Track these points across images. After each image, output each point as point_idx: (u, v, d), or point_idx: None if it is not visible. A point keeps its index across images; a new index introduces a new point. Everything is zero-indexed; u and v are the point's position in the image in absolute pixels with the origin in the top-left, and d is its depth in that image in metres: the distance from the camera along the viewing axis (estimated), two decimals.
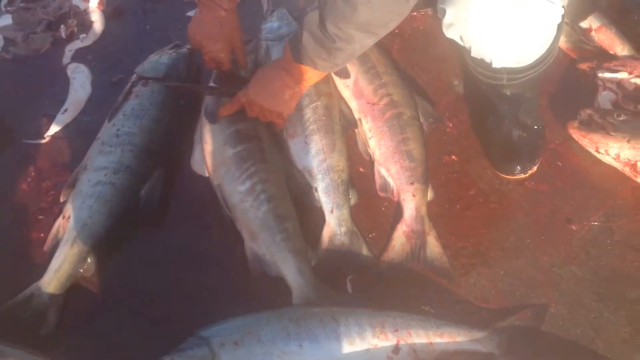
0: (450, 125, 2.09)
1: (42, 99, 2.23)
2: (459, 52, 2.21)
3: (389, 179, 1.92)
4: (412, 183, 1.87)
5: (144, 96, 2.05)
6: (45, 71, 2.31)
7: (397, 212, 1.89)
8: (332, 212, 1.84)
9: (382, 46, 2.18)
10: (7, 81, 2.29)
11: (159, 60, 2.16)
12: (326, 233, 1.84)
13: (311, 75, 1.71)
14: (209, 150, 1.92)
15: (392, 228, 1.88)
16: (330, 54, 1.59)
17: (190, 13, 2.45)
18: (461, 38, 1.67)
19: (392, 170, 1.91)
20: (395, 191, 1.90)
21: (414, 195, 1.86)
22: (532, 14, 1.54)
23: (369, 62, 2.07)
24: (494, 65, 1.68)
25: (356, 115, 2.03)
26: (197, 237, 1.90)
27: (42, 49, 2.37)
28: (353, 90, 2.05)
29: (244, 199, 1.81)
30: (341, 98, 2.07)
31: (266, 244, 1.76)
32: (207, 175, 1.94)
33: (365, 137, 1.99)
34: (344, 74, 2.05)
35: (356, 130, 2.03)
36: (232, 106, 1.88)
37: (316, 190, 1.89)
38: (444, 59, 2.27)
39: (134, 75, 2.12)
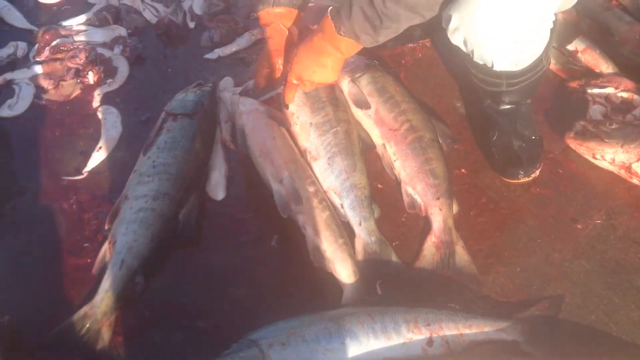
0: (451, 141, 2.27)
1: (77, 139, 2.38)
2: (458, 78, 2.46)
3: (416, 196, 2.08)
4: (438, 198, 2.04)
5: (175, 130, 2.22)
6: (77, 114, 2.47)
7: (424, 225, 2.05)
8: (360, 224, 2.01)
9: (396, 76, 2.40)
10: (42, 125, 2.44)
11: (185, 97, 2.34)
12: (359, 244, 2.00)
13: (352, 47, 1.87)
14: (278, 145, 2.13)
15: (414, 236, 2.05)
16: (375, 31, 1.75)
17: (208, 56, 2.65)
18: (465, 42, 1.86)
19: (418, 188, 2.08)
20: (422, 207, 2.06)
21: (440, 209, 2.02)
22: (530, 19, 1.74)
23: (387, 93, 2.27)
24: (494, 68, 1.87)
25: (379, 141, 2.22)
26: (232, 254, 2.05)
27: (72, 94, 2.53)
28: (375, 119, 2.25)
29: (311, 198, 2.01)
30: (359, 124, 2.27)
31: (328, 242, 1.95)
32: (220, 198, 2.18)
33: (390, 160, 2.17)
34: (364, 105, 2.26)
35: (380, 154, 2.21)
36: (290, 91, 2.08)
37: (342, 206, 2.05)
38: (445, 85, 2.49)
39: (164, 113, 2.29)
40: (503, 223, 2.08)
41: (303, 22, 2.23)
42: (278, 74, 2.16)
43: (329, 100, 2.24)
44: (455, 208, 2.07)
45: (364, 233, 2.00)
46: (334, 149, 2.13)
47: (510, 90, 2.02)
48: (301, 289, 1.94)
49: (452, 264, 1.96)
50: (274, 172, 2.08)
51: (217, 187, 2.19)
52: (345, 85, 2.33)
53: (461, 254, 1.98)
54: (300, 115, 2.22)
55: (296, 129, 2.22)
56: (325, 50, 1.91)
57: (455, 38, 1.89)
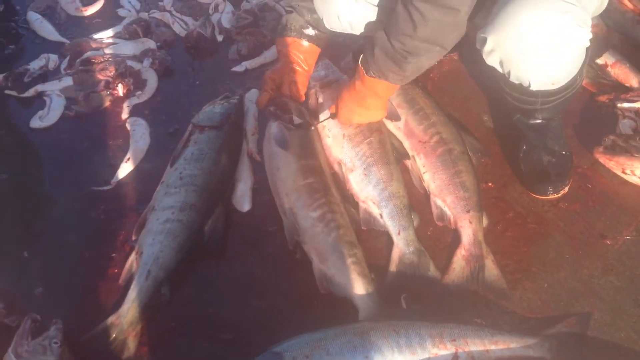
0: (480, 154, 2.25)
1: (105, 150, 2.42)
2: (485, 90, 2.44)
3: (446, 209, 2.07)
4: (468, 211, 2.03)
5: (202, 142, 2.24)
6: (107, 126, 2.51)
7: (453, 238, 2.05)
8: (399, 234, 2.01)
9: (426, 89, 2.39)
10: (72, 136, 2.49)
11: (212, 110, 2.36)
12: (396, 253, 2.00)
13: (385, 88, 1.97)
14: (282, 177, 2.11)
15: (440, 249, 2.04)
16: (400, 67, 1.84)
17: (236, 68, 2.68)
18: (501, 64, 1.85)
19: (448, 200, 2.07)
20: (452, 220, 2.06)
21: (470, 222, 2.01)
22: (566, 38, 1.73)
23: (417, 105, 2.27)
24: (531, 88, 1.87)
25: (409, 152, 2.23)
26: (257, 265, 2.06)
27: (101, 106, 2.57)
28: (404, 131, 2.25)
29: (314, 224, 1.99)
30: (391, 134, 2.26)
31: (336, 267, 1.93)
32: (246, 210, 2.19)
33: (419, 172, 2.17)
34: (395, 117, 2.26)
35: (409, 167, 2.21)
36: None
37: (381, 216, 2.06)
38: (472, 98, 2.48)
39: (191, 125, 2.31)
40: (530, 238, 2.06)
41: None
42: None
43: None
44: (485, 221, 2.05)
45: (402, 242, 2.01)
46: (370, 159, 2.14)
47: (544, 108, 2.01)
48: (325, 301, 1.93)
49: (482, 278, 1.95)
50: (279, 204, 2.10)
51: (243, 199, 2.20)
52: None
53: (491, 268, 1.96)
54: (332, 128, 2.23)
55: (329, 141, 2.23)
56: (366, 94, 2.02)
57: (491, 59, 1.88)
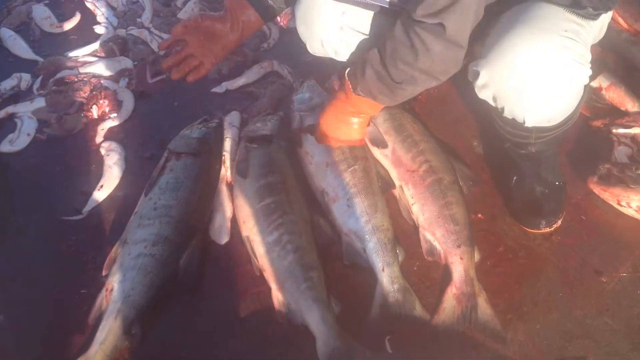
0: (472, 183, 2.15)
1: (78, 176, 2.31)
2: (475, 114, 2.35)
3: (435, 243, 1.96)
4: (458, 246, 1.92)
5: (178, 170, 2.13)
6: (80, 150, 2.40)
7: (444, 274, 1.94)
8: (383, 270, 1.90)
9: (414, 114, 2.29)
10: (43, 161, 2.38)
11: (189, 135, 2.26)
12: (379, 291, 1.88)
13: (370, 106, 1.86)
14: (239, 204, 2.04)
15: (426, 287, 1.94)
16: (391, 91, 1.74)
17: (215, 89, 2.57)
18: (494, 99, 1.76)
19: (437, 234, 1.96)
20: (442, 255, 1.95)
21: (461, 258, 1.90)
22: (565, 76, 1.64)
23: (405, 131, 2.17)
24: (526, 125, 1.77)
25: (397, 182, 2.12)
26: (234, 303, 1.94)
27: (75, 129, 2.46)
28: (392, 159, 2.14)
29: (271, 249, 1.91)
30: (377, 161, 2.16)
31: (291, 293, 1.84)
32: (224, 242, 2.07)
33: (407, 203, 2.06)
34: (381, 144, 2.15)
35: (397, 197, 2.10)
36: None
37: (364, 250, 1.95)
38: (461, 122, 2.38)
39: (167, 151, 2.21)
40: (522, 275, 1.95)
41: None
42: None
43: None
44: (476, 256, 1.95)
45: (386, 280, 1.89)
46: (353, 189, 2.04)
47: (538, 142, 1.91)
48: (308, 343, 1.80)
49: (474, 318, 1.84)
50: (241, 232, 2.03)
51: (221, 230, 2.09)
52: None
53: (484, 308, 1.85)
54: (315, 155, 2.14)
55: (311, 169, 2.14)
56: (348, 110, 1.92)
57: (484, 94, 1.79)
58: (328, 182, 2.07)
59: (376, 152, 2.18)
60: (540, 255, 1.99)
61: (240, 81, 2.59)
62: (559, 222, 2.03)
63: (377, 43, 1.73)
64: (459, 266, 1.90)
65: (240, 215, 2.04)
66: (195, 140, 2.22)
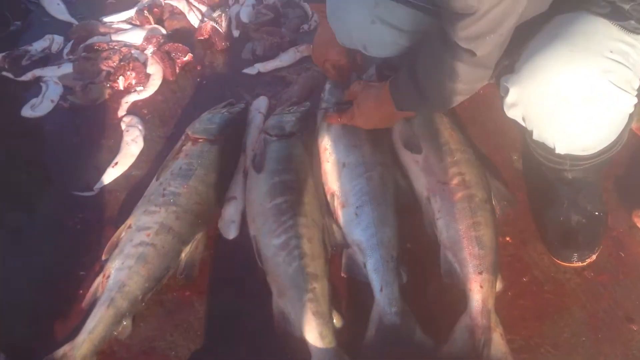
0: (506, 203, 1.98)
1: (94, 150, 2.23)
2: (521, 125, 2.16)
3: (456, 266, 1.80)
4: (480, 273, 1.76)
5: (192, 156, 2.02)
6: (100, 122, 2.32)
7: (461, 301, 1.76)
8: (381, 290, 1.75)
9: (454, 120, 2.12)
10: (62, 130, 2.31)
11: (210, 119, 2.14)
12: (375, 313, 1.74)
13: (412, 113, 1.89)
14: (250, 200, 1.92)
15: (438, 312, 1.79)
16: (426, 107, 1.79)
17: (247, 70, 2.45)
18: (523, 119, 1.59)
19: (459, 256, 1.80)
20: (461, 279, 1.78)
21: (481, 287, 1.73)
22: (603, 101, 1.45)
23: (441, 138, 2.00)
24: (557, 152, 1.60)
25: (424, 193, 1.95)
26: (236, 306, 1.84)
27: (99, 99, 2.38)
28: (423, 166, 1.98)
29: (277, 253, 1.78)
30: (400, 169, 2.02)
31: (292, 303, 1.72)
32: (231, 237, 1.95)
33: (432, 217, 1.90)
34: (415, 148, 2.00)
35: (423, 209, 1.95)
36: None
37: (364, 266, 1.81)
38: (504, 132, 2.19)
39: (185, 134, 2.11)
40: (545, 311, 1.79)
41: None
42: None
43: (367, 138, 2.01)
44: (498, 286, 1.78)
45: (384, 301, 1.74)
46: (365, 197, 1.89)
47: (574, 169, 1.73)
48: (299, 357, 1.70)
49: (487, 353, 1.67)
50: (249, 230, 1.92)
51: (230, 225, 1.98)
52: (397, 124, 2.07)
53: (498, 344, 1.68)
54: (333, 152, 2.00)
55: (327, 167, 2.01)
56: (383, 110, 1.88)
57: (512, 113, 1.63)
58: (340, 185, 1.94)
59: (407, 157, 2.03)
60: (568, 291, 1.82)
61: (273, 64, 2.46)
62: (594, 256, 1.85)
63: (410, 51, 1.70)
64: (478, 295, 1.74)
65: (250, 212, 1.93)
66: (215, 127, 2.11)
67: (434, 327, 1.75)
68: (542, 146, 1.65)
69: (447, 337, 1.71)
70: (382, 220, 1.86)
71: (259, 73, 2.45)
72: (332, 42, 2.04)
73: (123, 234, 1.90)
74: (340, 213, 1.91)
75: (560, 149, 1.59)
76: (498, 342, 1.69)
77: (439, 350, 1.71)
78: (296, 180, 1.93)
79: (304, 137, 2.06)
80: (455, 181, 1.91)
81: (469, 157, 1.98)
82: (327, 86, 2.20)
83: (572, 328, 1.75)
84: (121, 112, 2.34)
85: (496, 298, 1.76)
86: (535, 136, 1.61)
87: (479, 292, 1.74)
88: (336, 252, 1.87)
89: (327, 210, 1.88)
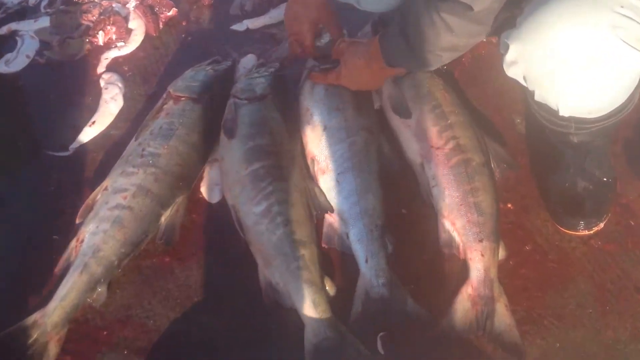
0: (506, 167, 1.86)
1: (71, 108, 2.11)
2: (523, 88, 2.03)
3: (454, 234, 1.68)
4: (480, 240, 1.64)
5: (174, 114, 1.90)
6: (78, 79, 2.19)
7: (461, 271, 1.65)
8: (366, 261, 1.64)
9: (449, 81, 1.99)
10: (37, 87, 2.18)
11: (193, 77, 2.01)
12: (361, 286, 1.63)
13: (402, 70, 1.76)
14: (225, 168, 1.80)
15: (435, 282, 1.68)
16: (417, 62, 1.59)
17: (235, 26, 2.32)
18: (524, 78, 1.47)
19: (457, 224, 1.68)
20: (461, 248, 1.67)
21: (482, 255, 1.62)
22: (611, 60, 1.32)
23: (433, 100, 1.87)
24: (560, 114, 1.47)
25: (417, 159, 1.82)
26: (216, 273, 1.74)
27: (77, 55, 2.25)
28: (415, 131, 1.85)
29: (259, 221, 1.67)
30: (382, 134, 1.89)
31: (280, 272, 1.61)
32: (215, 201, 1.84)
33: (428, 185, 1.78)
34: (404, 112, 1.87)
35: (417, 176, 1.83)
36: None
37: (347, 236, 1.70)
38: (506, 93, 2.06)
39: (166, 92, 1.98)
40: (548, 281, 1.68)
41: None
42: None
43: (351, 101, 1.88)
44: (501, 254, 1.67)
45: (370, 273, 1.63)
46: (347, 163, 1.77)
47: (580, 133, 1.60)
48: (291, 329, 1.58)
49: (490, 325, 1.57)
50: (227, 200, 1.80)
51: (214, 188, 1.86)
52: (386, 86, 1.93)
53: (502, 315, 1.58)
54: (315, 114, 1.88)
55: (308, 130, 1.88)
56: (372, 68, 1.74)
57: (512, 71, 1.50)
58: (321, 149, 1.81)
59: (396, 122, 1.90)
60: (573, 260, 1.71)
61: (263, 20, 2.32)
62: (601, 224, 1.73)
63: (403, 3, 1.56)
64: (479, 264, 1.62)
65: (225, 181, 1.80)
66: (198, 84, 1.98)
67: (433, 300, 1.64)
68: (545, 108, 1.52)
69: (446, 310, 1.60)
70: (365, 188, 1.74)
71: (248, 30, 2.31)
72: (304, 16, 1.91)
73: (99, 196, 1.78)
74: (320, 179, 1.80)
75: (564, 112, 1.47)
76: (502, 313, 1.58)
77: (437, 323, 1.60)
78: (272, 144, 1.81)
79: (278, 98, 1.94)
80: (449, 145, 1.78)
81: (464, 120, 1.85)
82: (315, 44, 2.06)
83: (577, 299, 1.64)
84: (100, 68, 2.20)
85: (498, 267, 1.65)
86: (537, 97, 1.49)
87: (481, 260, 1.63)
88: (321, 216, 1.76)
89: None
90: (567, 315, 1.62)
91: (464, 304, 1.60)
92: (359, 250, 1.66)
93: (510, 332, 1.57)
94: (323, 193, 1.76)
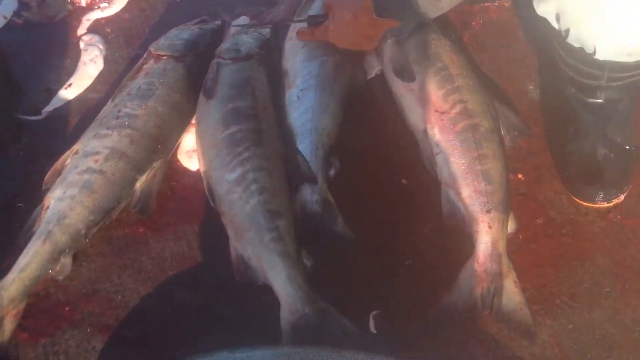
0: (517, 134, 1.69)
1: (47, 71, 1.94)
2: (539, 52, 1.87)
3: (459, 205, 1.52)
4: (488, 211, 1.48)
5: (154, 74, 1.74)
6: (57, 41, 2.02)
7: (466, 245, 1.49)
8: None
9: (457, 43, 1.84)
10: (12, 48, 2.02)
11: (177, 35, 1.86)
12: (298, 199, 1.57)
13: (394, 22, 1.58)
14: (200, 131, 1.66)
15: (437, 256, 1.53)
16: (412, 9, 1.45)
17: None
18: (557, 17, 1.30)
19: (463, 194, 1.52)
20: (466, 220, 1.51)
21: (490, 227, 1.46)
22: None
23: (439, 62, 1.71)
24: (596, 57, 1.30)
25: (420, 125, 1.67)
26: (193, 246, 1.58)
27: (57, 16, 2.09)
28: (418, 95, 1.69)
29: (232, 190, 1.52)
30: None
31: (252, 245, 1.45)
32: (195, 169, 1.70)
33: (430, 151, 1.62)
34: (407, 75, 1.71)
35: (420, 143, 1.68)
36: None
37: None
38: (518, 60, 1.90)
39: (147, 52, 1.83)
40: (562, 257, 1.51)
41: None
42: None
43: None
44: (511, 226, 1.51)
45: (306, 191, 1.57)
46: (312, 80, 1.72)
47: (610, 86, 1.44)
48: (271, 305, 1.42)
49: (497, 304, 1.40)
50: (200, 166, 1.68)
51: (193, 155, 1.71)
52: (388, 47, 1.78)
53: (512, 293, 1.41)
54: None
55: (288, 45, 1.84)
56: (362, 25, 1.60)
57: (543, 8, 1.34)
58: (293, 64, 1.78)
59: (399, 85, 1.74)
60: (590, 235, 1.54)
61: None
62: (622, 196, 1.57)
63: None
64: (486, 237, 1.45)
65: (200, 146, 1.66)
66: (182, 42, 1.82)
67: (434, 277, 1.49)
68: (577, 54, 1.36)
69: (449, 287, 1.44)
70: (323, 108, 1.68)
71: None
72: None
73: (68, 160, 1.63)
74: (285, 93, 1.75)
75: (602, 53, 1.30)
76: (511, 290, 1.42)
77: (439, 301, 1.44)
78: (253, 107, 1.65)
79: (264, 60, 1.80)
80: (456, 110, 1.61)
81: (473, 84, 1.68)
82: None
83: (594, 277, 1.48)
84: (81, 30, 2.05)
85: (507, 242, 1.48)
86: (572, 38, 1.33)
87: (488, 233, 1.46)
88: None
89: (288, 140, 1.65)
90: (581, 294, 1.46)
91: (468, 280, 1.43)
92: None
93: (520, 311, 1.40)
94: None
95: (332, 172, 1.61)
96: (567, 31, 1.32)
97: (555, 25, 1.36)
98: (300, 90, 1.71)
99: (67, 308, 1.48)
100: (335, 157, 1.63)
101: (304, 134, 1.64)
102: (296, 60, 1.77)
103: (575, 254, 1.51)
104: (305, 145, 1.63)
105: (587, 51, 1.33)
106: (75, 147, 1.64)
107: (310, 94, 1.70)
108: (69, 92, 1.88)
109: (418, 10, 1.44)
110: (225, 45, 1.81)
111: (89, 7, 2.11)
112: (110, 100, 1.73)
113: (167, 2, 2.15)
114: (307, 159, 1.60)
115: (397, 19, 1.55)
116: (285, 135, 1.66)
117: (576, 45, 1.34)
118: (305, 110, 1.67)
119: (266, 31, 1.87)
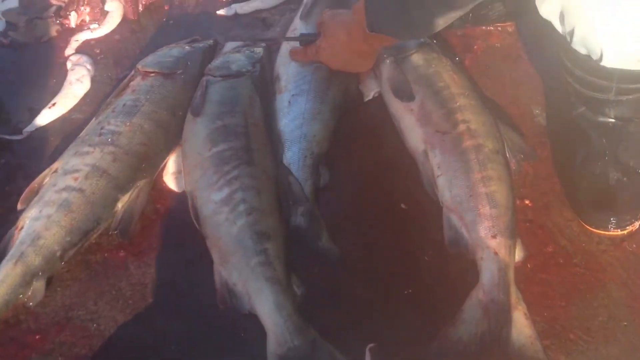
0: (523, 157, 1.61)
1: (32, 90, 1.88)
2: (544, 75, 1.80)
3: (463, 230, 1.43)
4: (494, 236, 1.38)
5: (140, 91, 1.66)
6: (43, 61, 1.96)
7: (470, 272, 1.39)
8: None
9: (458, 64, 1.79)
10: None
11: (167, 53, 1.79)
12: (284, 210, 1.51)
13: (388, 40, 1.52)
14: (186, 150, 1.58)
15: (438, 286, 1.41)
16: (407, 25, 1.39)
17: (221, 11, 2.11)
18: (561, 17, 1.23)
19: (467, 218, 1.42)
20: (470, 246, 1.41)
21: (496, 253, 1.36)
22: None
23: (441, 82, 1.64)
24: (603, 63, 1.22)
25: (420, 146, 1.59)
26: (176, 271, 1.47)
27: (45, 36, 2.03)
28: (418, 115, 1.61)
29: (218, 210, 1.42)
30: (402, 119, 1.68)
31: (238, 269, 1.35)
32: (180, 191, 1.61)
33: (431, 174, 1.53)
34: (406, 95, 1.65)
35: (420, 165, 1.59)
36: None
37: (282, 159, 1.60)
38: (524, 83, 1.83)
39: (134, 69, 1.76)
40: (574, 288, 1.41)
41: None
42: None
43: None
44: (519, 254, 1.41)
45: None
46: (304, 86, 1.70)
47: (620, 100, 1.36)
48: (257, 335, 1.30)
49: (506, 337, 1.29)
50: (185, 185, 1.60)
51: (179, 175, 1.62)
52: (386, 67, 1.72)
53: (521, 325, 1.30)
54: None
55: (282, 49, 1.82)
56: (356, 43, 1.58)
57: (547, 9, 1.27)
58: (286, 68, 1.76)
59: (398, 106, 1.67)
60: (603, 265, 1.44)
61: (253, 4, 2.10)
62: (637, 224, 1.48)
63: None
64: (492, 264, 1.35)
65: (186, 165, 1.57)
66: (172, 60, 1.76)
67: (436, 308, 1.38)
68: (583, 61, 1.28)
69: (453, 318, 1.33)
70: (314, 115, 1.66)
71: (236, 14, 2.09)
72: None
73: (47, 179, 1.54)
74: (276, 98, 1.72)
75: (608, 59, 1.22)
76: (521, 322, 1.30)
77: (442, 333, 1.32)
78: (243, 125, 1.58)
79: (255, 79, 1.73)
80: (458, 130, 1.54)
81: (475, 103, 1.61)
82: (297, 19, 1.90)
83: (609, 310, 1.37)
84: (69, 50, 1.98)
85: (515, 270, 1.37)
86: (577, 42, 1.24)
87: (494, 260, 1.35)
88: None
89: (281, 157, 1.59)
90: (596, 328, 1.35)
91: (474, 311, 1.32)
92: None
93: (531, 345, 1.28)
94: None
95: (321, 183, 1.56)
96: (572, 32, 1.24)
97: (559, 28, 1.28)
98: (292, 95, 1.67)
99: (37, 337, 1.37)
100: (324, 167, 1.57)
101: (293, 140, 1.59)
102: (290, 64, 1.73)
103: (588, 285, 1.41)
104: (293, 152, 1.57)
105: (593, 57, 1.25)
106: (55, 165, 1.56)
107: (302, 99, 1.65)
108: (53, 111, 1.80)
109: (413, 27, 1.37)
110: (215, 62, 1.75)
111: (79, 28, 2.05)
112: (94, 118, 1.65)
113: (159, 24, 2.10)
114: (295, 168, 1.54)
115: (391, 35, 1.48)
116: (275, 143, 1.60)
117: (582, 51, 1.26)
118: (295, 116, 1.62)
119: (259, 50, 1.80)
